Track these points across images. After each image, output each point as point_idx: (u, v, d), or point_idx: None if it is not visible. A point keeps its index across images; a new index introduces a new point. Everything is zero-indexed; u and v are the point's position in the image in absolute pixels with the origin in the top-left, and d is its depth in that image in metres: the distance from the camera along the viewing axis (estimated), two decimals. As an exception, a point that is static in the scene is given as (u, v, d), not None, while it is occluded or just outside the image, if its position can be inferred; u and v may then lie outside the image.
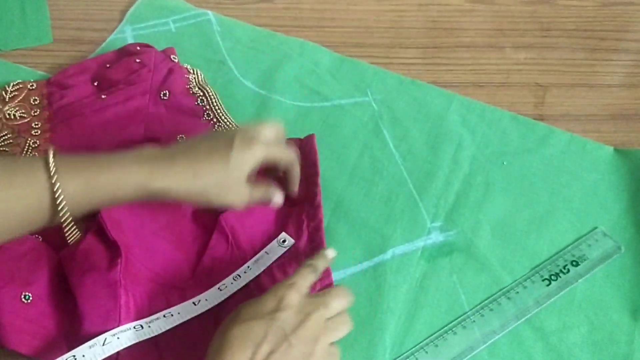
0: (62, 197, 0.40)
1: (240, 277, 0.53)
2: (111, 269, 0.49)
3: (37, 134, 0.60)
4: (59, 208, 0.41)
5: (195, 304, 0.51)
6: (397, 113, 0.67)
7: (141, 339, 0.48)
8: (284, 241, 0.55)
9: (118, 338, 0.47)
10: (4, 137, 0.60)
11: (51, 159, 0.41)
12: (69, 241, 0.44)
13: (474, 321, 0.53)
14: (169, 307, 0.51)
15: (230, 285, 0.52)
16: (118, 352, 0.48)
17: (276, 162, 0.51)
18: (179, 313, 0.50)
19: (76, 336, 0.48)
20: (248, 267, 0.53)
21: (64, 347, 0.48)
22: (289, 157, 0.52)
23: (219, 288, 0.52)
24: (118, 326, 0.48)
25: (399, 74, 0.70)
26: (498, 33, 0.76)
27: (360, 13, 0.77)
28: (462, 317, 0.54)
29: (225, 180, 0.46)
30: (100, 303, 0.48)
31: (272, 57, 0.70)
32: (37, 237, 0.52)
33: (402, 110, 0.67)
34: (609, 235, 0.59)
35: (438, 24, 0.76)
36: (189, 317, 0.50)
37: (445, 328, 0.53)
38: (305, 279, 0.46)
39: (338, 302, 0.46)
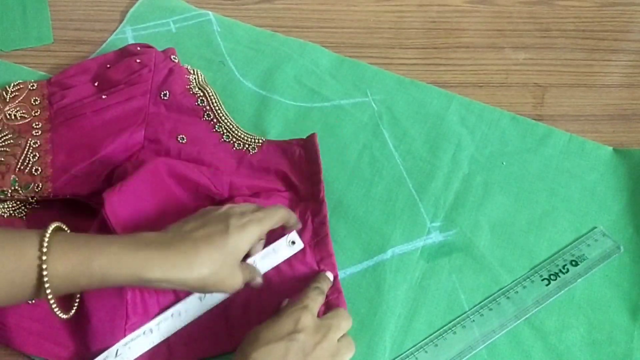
0: (47, 278, 0.39)
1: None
2: None
3: (37, 134, 0.60)
4: (45, 287, 0.40)
5: (200, 300, 0.51)
6: (397, 113, 0.67)
7: (154, 344, 0.49)
8: (292, 242, 0.54)
9: (129, 348, 0.48)
10: (4, 137, 0.60)
11: (47, 238, 0.40)
12: (61, 317, 0.43)
13: (473, 321, 0.53)
14: (178, 301, 0.51)
15: None
16: None
17: (275, 227, 0.51)
18: (186, 311, 0.50)
19: (83, 334, 0.48)
20: (254, 262, 0.53)
21: (70, 346, 0.49)
22: (281, 218, 0.51)
23: None
24: (126, 322, 0.48)
25: (398, 74, 0.70)
26: (497, 33, 0.76)
27: (360, 14, 0.77)
28: (461, 317, 0.54)
29: (220, 268, 0.45)
30: (106, 299, 0.48)
31: (272, 58, 0.70)
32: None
33: (402, 111, 0.67)
34: (608, 235, 0.59)
35: (438, 24, 0.76)
36: (197, 314, 0.51)
37: (445, 327, 0.53)
38: (315, 301, 0.48)
39: (346, 324, 0.49)
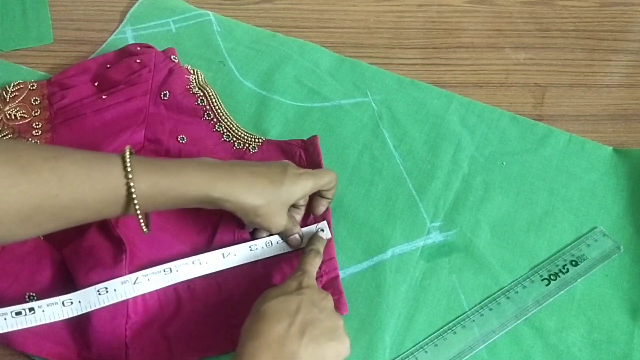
0: (135, 194, 0.44)
1: (272, 244, 0.54)
2: (116, 265, 0.49)
3: (37, 134, 0.60)
4: (134, 203, 0.44)
5: (223, 256, 0.52)
6: (397, 113, 0.67)
7: (170, 284, 0.50)
8: (322, 230, 0.56)
9: (149, 280, 0.49)
10: (4, 137, 0.60)
11: (127, 157, 0.44)
12: (144, 231, 0.47)
13: (473, 321, 0.53)
14: (179, 299, 0.51)
15: (261, 249, 0.54)
16: (127, 344, 0.48)
17: (322, 189, 0.54)
18: (207, 262, 0.52)
19: (84, 334, 0.48)
20: (282, 238, 0.55)
21: (71, 346, 0.49)
22: (331, 179, 0.54)
23: (249, 247, 0.54)
24: (127, 322, 0.48)
25: (398, 74, 0.70)
26: (497, 33, 0.76)
27: (360, 14, 0.77)
28: (461, 317, 0.54)
29: (274, 202, 0.49)
30: None
31: (272, 58, 0.70)
32: (39, 237, 0.53)
33: (402, 111, 0.67)
34: (608, 235, 0.59)
35: (437, 24, 0.76)
36: (215, 269, 0.52)
37: (445, 327, 0.53)
38: (312, 265, 0.50)
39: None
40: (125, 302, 0.49)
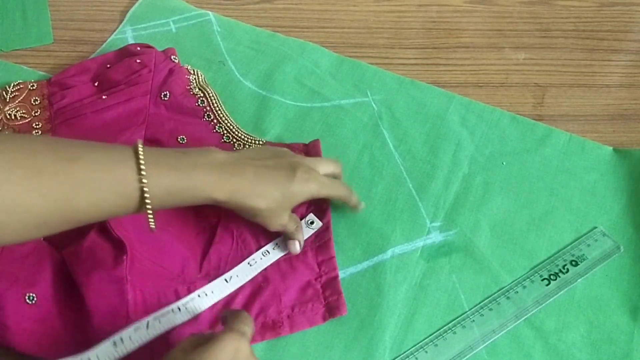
0: (148, 199, 0.44)
1: (269, 252, 0.55)
2: (117, 266, 0.49)
3: (38, 134, 0.60)
4: (146, 205, 0.44)
5: (227, 281, 0.53)
6: (397, 113, 0.67)
7: (181, 322, 0.50)
8: (311, 223, 0.56)
9: (159, 322, 0.49)
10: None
11: (141, 159, 0.43)
12: (152, 228, 0.47)
13: (473, 321, 0.54)
14: (178, 299, 0.51)
15: (259, 260, 0.54)
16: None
17: (327, 198, 0.55)
18: (212, 292, 0.52)
19: (84, 334, 0.48)
20: (276, 244, 0.55)
21: (72, 346, 0.49)
22: (339, 194, 0.55)
23: (248, 263, 0.54)
24: (126, 323, 0.48)
25: (398, 74, 0.70)
26: (497, 33, 0.76)
27: (360, 14, 0.77)
28: (461, 317, 0.54)
29: (276, 206, 0.50)
30: (107, 300, 0.48)
31: (272, 58, 0.70)
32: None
33: (402, 111, 0.67)
34: (608, 235, 0.59)
35: (437, 24, 0.76)
36: (223, 295, 0.52)
37: (445, 327, 0.53)
38: (250, 327, 0.43)
39: None
40: (125, 303, 0.49)
